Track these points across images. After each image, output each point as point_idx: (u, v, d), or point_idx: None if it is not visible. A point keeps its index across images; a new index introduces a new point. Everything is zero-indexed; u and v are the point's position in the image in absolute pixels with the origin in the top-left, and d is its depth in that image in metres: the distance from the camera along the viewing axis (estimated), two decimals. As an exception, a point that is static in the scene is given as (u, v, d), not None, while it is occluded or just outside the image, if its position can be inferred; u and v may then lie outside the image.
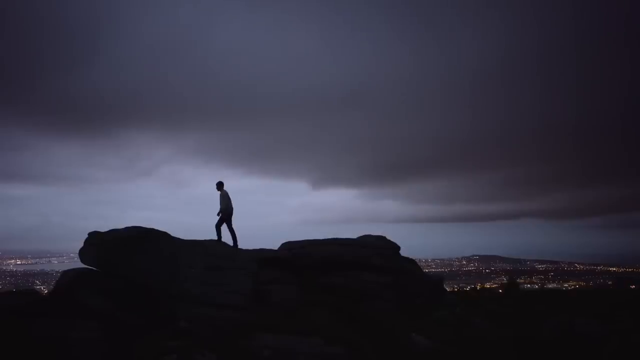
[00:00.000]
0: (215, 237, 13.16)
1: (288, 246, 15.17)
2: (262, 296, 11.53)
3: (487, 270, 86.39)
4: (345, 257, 14.23)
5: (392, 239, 16.28)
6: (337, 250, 14.57)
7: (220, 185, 13.33)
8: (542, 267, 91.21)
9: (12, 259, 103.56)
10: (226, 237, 13.38)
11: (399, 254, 15.93)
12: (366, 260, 14.22)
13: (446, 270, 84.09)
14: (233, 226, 13.40)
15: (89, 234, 11.72)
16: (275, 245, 15.29)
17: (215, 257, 11.64)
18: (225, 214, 13.20)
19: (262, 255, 13.03)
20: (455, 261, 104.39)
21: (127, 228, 11.82)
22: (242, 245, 13.54)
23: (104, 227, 12.02)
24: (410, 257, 16.55)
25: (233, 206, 13.43)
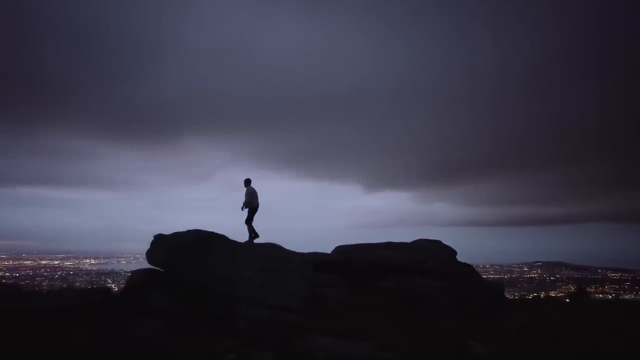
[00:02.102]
0: (248, 237, 13.31)
1: (341, 250, 15.24)
2: (316, 299, 11.66)
3: (551, 278, 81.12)
4: (399, 261, 14.04)
5: (447, 243, 15.86)
6: (390, 254, 14.42)
7: (247, 182, 13.51)
8: (615, 276, 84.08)
9: (87, 258, 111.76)
10: (242, 233, 13.52)
11: (455, 258, 15.47)
12: (420, 265, 13.95)
13: (506, 276, 79.99)
14: (253, 224, 13.50)
15: (155, 236, 12.42)
16: (328, 248, 15.43)
17: (271, 260, 11.94)
18: (250, 210, 13.37)
19: (315, 259, 13.19)
20: (515, 267, 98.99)
21: (188, 231, 12.44)
22: (296, 248, 13.73)
23: (166, 230, 12.71)
24: (467, 262, 16.01)
25: (259, 203, 13.55)
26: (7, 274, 64.28)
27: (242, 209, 13.45)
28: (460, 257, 15.70)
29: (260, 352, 8.48)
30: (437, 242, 15.79)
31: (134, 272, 12.35)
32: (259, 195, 13.61)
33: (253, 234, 13.37)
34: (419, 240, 15.89)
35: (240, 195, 13.56)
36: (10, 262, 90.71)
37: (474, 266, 16.45)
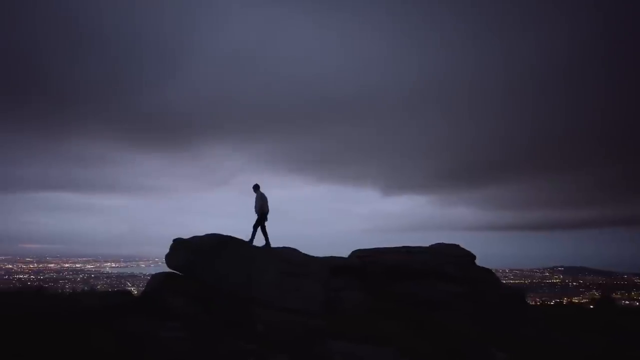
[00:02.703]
0: (265, 242, 13.25)
1: (358, 254, 15.20)
2: (334, 303, 11.65)
3: (574, 284, 79.07)
4: (417, 266, 13.94)
5: (466, 248, 15.67)
6: (408, 258, 14.33)
7: (256, 188, 13.54)
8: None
9: (108, 262, 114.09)
10: (257, 238, 13.40)
11: (475, 263, 15.27)
12: (439, 269, 13.82)
13: (526, 282, 78.33)
14: (266, 228, 13.47)
15: (174, 240, 12.60)
16: (345, 252, 15.42)
17: (289, 264, 11.99)
18: (260, 215, 13.38)
19: (333, 263, 13.19)
20: (536, 272, 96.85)
21: (207, 235, 12.58)
22: (313, 252, 13.74)
23: (185, 234, 12.88)
24: (487, 267, 15.78)
25: (269, 208, 13.56)
26: (32, 276, 66.10)
27: (259, 216, 13.42)
28: (479, 262, 15.51)
29: (279, 355, 8.50)
30: (456, 247, 15.62)
31: (154, 276, 12.53)
32: (268, 200, 13.62)
33: (266, 239, 13.39)
34: (437, 245, 15.75)
35: (251, 201, 13.62)
36: (35, 264, 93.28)
37: (494, 271, 16.21)
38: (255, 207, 13.41)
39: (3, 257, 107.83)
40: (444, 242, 16.00)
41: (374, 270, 13.82)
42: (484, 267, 15.48)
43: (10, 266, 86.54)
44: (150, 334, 9.11)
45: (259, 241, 13.43)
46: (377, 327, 10.38)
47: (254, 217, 13.55)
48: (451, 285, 13.34)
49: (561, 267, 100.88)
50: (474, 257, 15.38)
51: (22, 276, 65.49)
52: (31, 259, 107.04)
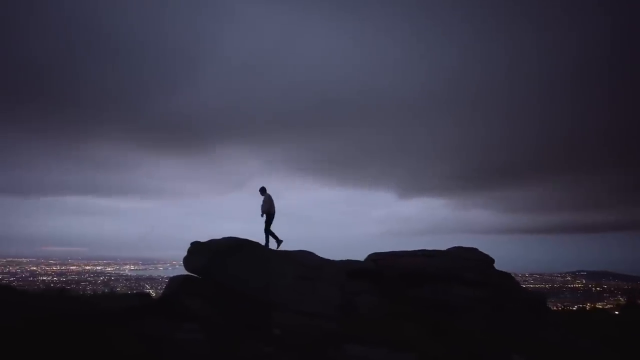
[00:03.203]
0: (277, 243, 13.45)
1: (375, 257, 15.12)
2: (350, 307, 11.61)
3: (597, 289, 76.96)
4: (434, 269, 13.79)
5: (484, 251, 15.44)
6: (425, 262, 14.19)
7: (263, 191, 13.75)
8: (672, 288, 78.54)
9: (127, 264, 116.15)
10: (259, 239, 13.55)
11: (493, 267, 15.03)
12: (457, 273, 13.64)
13: (547, 286, 76.62)
14: (271, 228, 13.65)
15: (192, 243, 12.75)
16: (361, 256, 15.35)
17: (305, 268, 12.01)
18: (268, 217, 13.56)
19: (349, 266, 13.15)
20: (557, 277, 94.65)
21: (224, 238, 12.70)
22: (329, 255, 13.77)
23: (203, 237, 13.06)
24: (506, 271, 15.51)
25: (275, 210, 13.76)
26: (55, 278, 67.70)
27: (261, 216, 13.67)
28: (498, 266, 15.26)
29: (295, 359, 8.52)
30: (474, 250, 15.41)
31: (172, 278, 12.69)
32: (274, 201, 13.82)
33: (275, 239, 13.54)
34: (455, 248, 15.56)
35: (258, 203, 13.80)
36: (58, 267, 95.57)
37: (513, 275, 15.92)
38: (263, 208, 13.58)
39: (27, 259, 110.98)
40: (461, 245, 15.82)
41: (390, 274, 13.72)
42: (502, 271, 15.22)
43: (34, 268, 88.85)
44: (169, 336, 9.23)
45: (274, 242, 13.54)
46: (393, 332, 10.31)
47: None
48: (469, 290, 13.14)
49: (584, 271, 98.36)
50: (492, 260, 15.15)
51: (45, 278, 67.09)
52: (54, 261, 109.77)
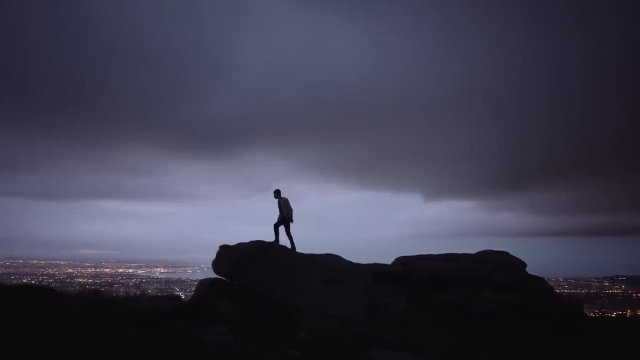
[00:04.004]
0: (290, 245, 13.28)
1: (401, 261, 14.97)
2: (377, 311, 11.53)
3: (638, 295, 73.51)
4: (463, 273, 13.53)
5: (515, 255, 15.04)
6: (452, 266, 13.94)
7: (277, 194, 13.47)
8: None
9: (158, 267, 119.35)
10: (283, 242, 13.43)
11: (525, 271, 14.62)
12: (486, 277, 13.34)
13: (583, 292, 73.73)
14: (291, 232, 13.42)
15: (220, 247, 12.96)
16: (387, 259, 15.24)
17: (332, 271, 12.02)
18: (286, 219, 13.37)
19: (376, 270, 13.08)
20: (594, 282, 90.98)
21: (252, 242, 12.86)
22: (356, 259, 13.72)
23: (230, 241, 13.24)
24: (538, 275, 15.05)
25: (292, 212, 13.48)
26: (89, 280, 70.19)
27: (279, 220, 13.41)
28: (530, 270, 14.83)
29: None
30: (504, 254, 15.04)
31: (201, 281, 12.93)
32: (290, 203, 13.56)
33: (276, 238, 13.41)
34: (484, 252, 15.23)
35: (273, 206, 13.58)
36: (93, 269, 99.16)
37: (547, 279, 15.42)
38: (281, 212, 13.39)
39: (64, 262, 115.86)
40: (491, 248, 15.47)
41: (418, 278, 13.55)
42: (535, 276, 14.78)
43: (70, 270, 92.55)
44: (198, 338, 9.39)
45: (300, 246, 13.57)
46: (420, 336, 10.17)
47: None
48: (499, 294, 12.82)
49: (623, 276, 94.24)
50: (523, 264, 14.74)
51: (81, 280, 69.66)
52: (89, 264, 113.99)
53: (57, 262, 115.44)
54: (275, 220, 13.51)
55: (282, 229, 13.55)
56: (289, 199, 13.60)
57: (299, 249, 13.46)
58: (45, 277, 71.14)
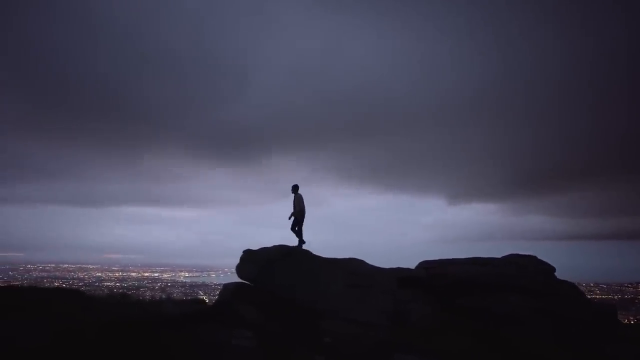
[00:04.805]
0: (298, 242, 13.35)
1: (425, 265, 14.78)
2: (401, 315, 11.41)
3: (676, 301, 70.18)
4: (487, 278, 13.24)
5: (543, 259, 14.64)
6: (478, 270, 13.67)
7: (295, 188, 13.52)
8: None
9: (182, 271, 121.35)
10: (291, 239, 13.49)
11: (554, 275, 14.21)
12: (512, 282, 13.01)
13: (616, 297, 70.91)
14: (302, 228, 13.44)
15: (244, 251, 13.08)
16: (411, 263, 15.07)
17: (355, 275, 11.97)
18: (299, 216, 13.39)
19: (399, 274, 12.95)
20: (628, 287, 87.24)
21: (275, 246, 12.94)
22: (379, 263, 13.63)
23: (254, 245, 13.36)
24: (569, 280, 14.59)
25: (306, 209, 13.54)
26: (117, 283, 71.96)
27: (294, 217, 13.44)
28: (559, 275, 14.40)
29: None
30: (532, 258, 14.66)
31: (225, 286, 13.07)
32: (304, 202, 13.60)
33: (300, 238, 13.44)
34: (511, 255, 14.88)
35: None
36: (120, 273, 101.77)
37: (577, 284, 14.93)
38: (295, 207, 13.46)
39: (93, 266, 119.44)
40: (518, 252, 15.10)
41: (442, 283, 13.34)
42: (565, 281, 14.33)
43: (99, 274, 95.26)
44: (223, 342, 9.48)
45: (322, 249, 13.55)
46: (445, 342, 9.99)
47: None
48: (526, 300, 12.47)
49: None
50: (553, 269, 14.33)
51: (109, 283, 71.47)
52: (116, 268, 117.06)
53: (86, 266, 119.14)
54: (292, 223, 13.55)
55: (296, 225, 13.54)
56: (306, 200, 13.63)
57: (321, 253, 13.48)
58: (75, 281, 73.38)
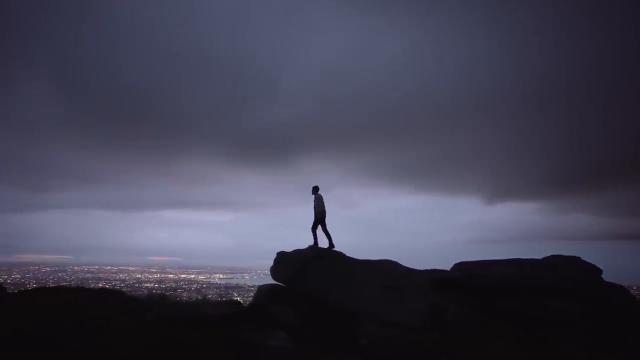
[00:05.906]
0: (313, 242, 13.35)
1: (461, 266, 14.42)
2: (436, 318, 11.19)
3: None
4: (528, 280, 12.76)
5: (588, 260, 13.97)
6: (517, 272, 13.20)
7: (316, 190, 13.55)
8: None
9: (217, 273, 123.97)
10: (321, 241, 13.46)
11: (601, 278, 13.53)
12: (554, 284, 12.49)
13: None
14: (327, 229, 13.42)
15: (278, 253, 13.23)
16: (447, 265, 14.75)
17: (389, 277, 11.84)
18: (319, 216, 13.34)
19: (434, 276, 12.70)
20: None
21: (308, 248, 13.01)
22: (413, 265, 13.44)
23: (286, 247, 13.48)
24: (617, 282, 13.85)
25: (326, 209, 13.47)
26: (155, 285, 74.33)
27: (316, 218, 13.43)
28: (607, 277, 13.69)
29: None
30: (575, 259, 14.02)
31: (260, 287, 13.25)
32: (324, 203, 13.59)
33: (315, 240, 13.43)
34: (553, 256, 14.27)
35: (328, 208, 13.59)
36: (158, 275, 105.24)
37: (626, 288, 14.16)
38: (315, 208, 13.48)
39: (134, 268, 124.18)
40: (560, 253, 14.49)
41: (479, 284, 12.96)
42: (612, 283, 13.60)
43: (139, 275, 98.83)
44: (259, 343, 9.60)
45: (355, 251, 13.49)
46: (483, 345, 9.73)
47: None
48: (569, 303, 11.92)
49: None
50: (599, 271, 13.64)
51: (148, 285, 73.91)
52: (155, 270, 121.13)
53: (127, 267, 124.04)
54: (313, 222, 13.59)
55: (318, 226, 13.58)
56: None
57: (354, 255, 13.45)
58: (117, 282, 76.40)
